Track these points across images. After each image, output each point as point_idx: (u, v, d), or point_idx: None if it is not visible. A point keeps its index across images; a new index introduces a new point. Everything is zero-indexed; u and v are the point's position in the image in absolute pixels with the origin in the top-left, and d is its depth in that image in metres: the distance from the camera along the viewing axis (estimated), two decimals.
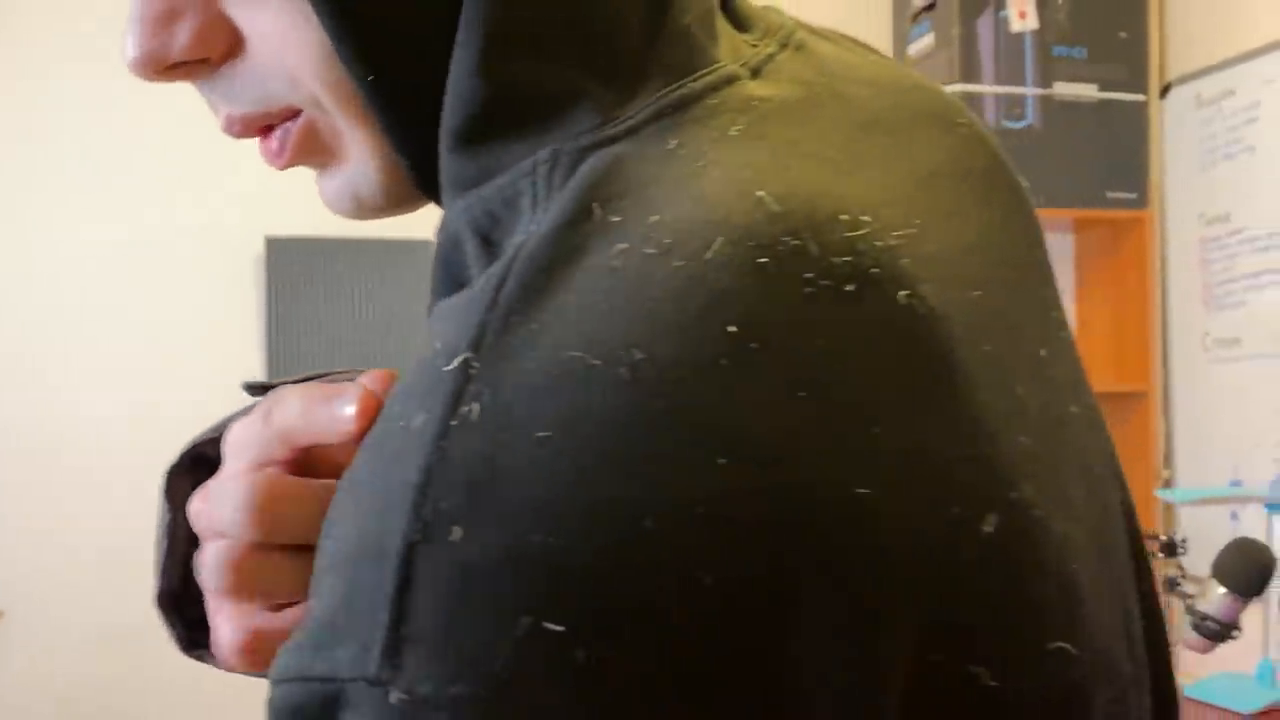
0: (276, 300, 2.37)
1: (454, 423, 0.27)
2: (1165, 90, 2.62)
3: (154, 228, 2.35)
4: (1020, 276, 0.39)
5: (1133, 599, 0.38)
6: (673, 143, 0.33)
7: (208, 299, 2.37)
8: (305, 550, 0.34)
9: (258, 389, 0.44)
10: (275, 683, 0.29)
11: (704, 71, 0.36)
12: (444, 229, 0.36)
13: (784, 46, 0.40)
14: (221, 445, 0.39)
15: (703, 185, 0.31)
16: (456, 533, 0.26)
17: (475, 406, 0.27)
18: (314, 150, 0.41)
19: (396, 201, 0.41)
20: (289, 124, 0.40)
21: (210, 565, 0.36)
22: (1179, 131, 2.58)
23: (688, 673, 0.25)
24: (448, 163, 0.36)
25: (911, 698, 0.28)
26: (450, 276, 0.36)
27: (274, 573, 0.36)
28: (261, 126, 0.41)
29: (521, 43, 0.34)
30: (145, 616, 2.16)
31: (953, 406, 0.30)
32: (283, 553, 0.36)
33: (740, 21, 0.41)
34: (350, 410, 0.33)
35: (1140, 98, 2.57)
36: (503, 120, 0.34)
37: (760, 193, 0.30)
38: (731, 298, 0.28)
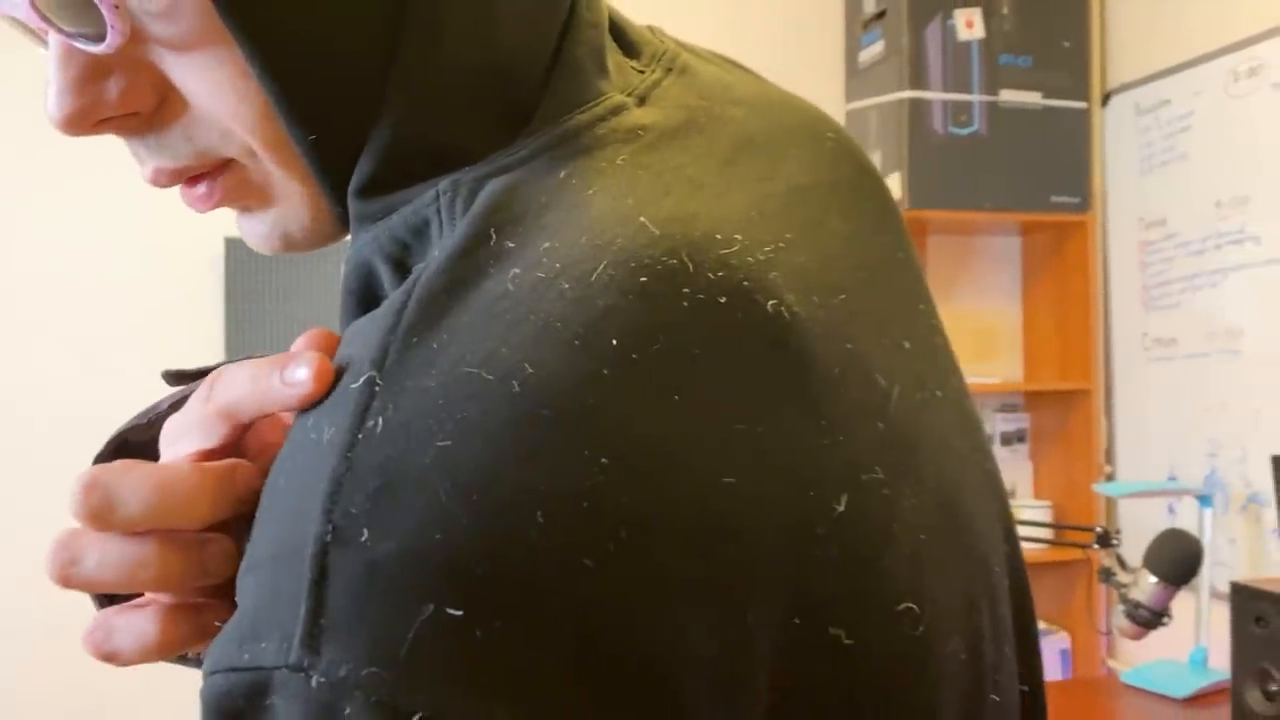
0: (235, 300, 2.39)
1: (360, 435, 0.30)
2: (1106, 99, 2.70)
3: (114, 228, 2.36)
4: (887, 276, 0.43)
5: (998, 558, 0.43)
6: (563, 173, 0.37)
7: (167, 299, 2.38)
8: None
9: (176, 377, 0.46)
10: (207, 675, 0.31)
11: (593, 103, 0.39)
12: (351, 259, 0.39)
13: (669, 71, 0.44)
14: (160, 435, 0.40)
15: (591, 213, 0.35)
16: (365, 534, 0.29)
17: (379, 420, 0.30)
18: (243, 196, 0.42)
19: (322, 240, 0.44)
20: (216, 172, 0.41)
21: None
22: (1119, 138, 2.66)
23: (575, 647, 0.29)
24: (356, 202, 0.39)
25: (780, 659, 0.32)
26: (360, 301, 0.39)
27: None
28: (189, 176, 0.42)
29: (432, 103, 0.38)
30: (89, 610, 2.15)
31: (810, 402, 0.34)
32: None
33: (629, 47, 0.45)
34: (304, 373, 0.34)
35: (1082, 105, 2.65)
36: (408, 166, 0.38)
37: (642, 218, 0.34)
38: (615, 314, 0.31)
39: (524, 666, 0.28)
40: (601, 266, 0.33)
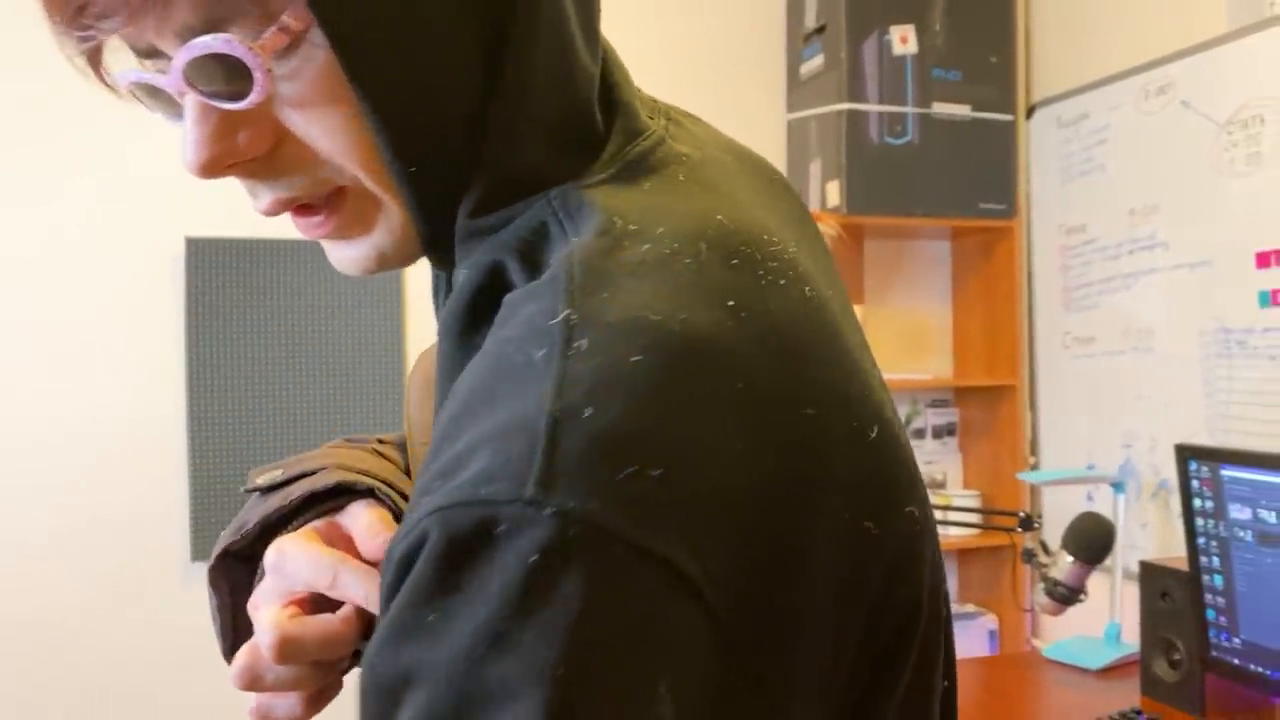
0: (197, 299, 2.44)
1: (570, 352, 0.41)
2: (1031, 111, 2.85)
3: (76, 227, 2.38)
4: (838, 286, 0.57)
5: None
6: (645, 184, 0.50)
7: (129, 298, 2.42)
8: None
9: (255, 490, 0.63)
10: (431, 512, 0.39)
11: (645, 135, 0.53)
12: (476, 263, 0.49)
13: (668, 120, 0.56)
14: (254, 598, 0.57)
15: (682, 210, 0.48)
16: (587, 412, 0.39)
17: (584, 342, 0.41)
18: (350, 224, 0.52)
19: (408, 259, 0.53)
20: (329, 201, 0.51)
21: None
22: (1042, 149, 2.82)
23: (752, 514, 0.41)
24: (468, 222, 0.50)
25: (838, 542, 0.44)
26: (489, 290, 0.49)
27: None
28: (300, 205, 0.51)
29: (527, 140, 0.50)
30: (59, 610, 2.24)
31: (847, 359, 0.47)
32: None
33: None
34: (348, 612, 0.54)
35: (1009, 118, 2.80)
36: (514, 188, 0.50)
37: (719, 217, 0.48)
38: (724, 284, 0.44)
39: (704, 522, 0.39)
40: (704, 248, 0.46)
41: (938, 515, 2.19)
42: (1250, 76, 2.17)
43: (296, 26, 0.46)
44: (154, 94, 0.50)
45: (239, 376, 2.47)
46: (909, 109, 2.69)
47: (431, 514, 0.39)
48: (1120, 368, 2.55)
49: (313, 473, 0.62)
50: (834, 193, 2.67)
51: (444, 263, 0.54)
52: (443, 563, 0.38)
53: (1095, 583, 2.03)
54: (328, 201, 0.51)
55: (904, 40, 2.68)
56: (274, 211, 0.51)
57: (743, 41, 2.86)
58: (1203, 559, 1.66)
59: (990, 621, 2.89)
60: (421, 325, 2.60)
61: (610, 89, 0.54)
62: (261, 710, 0.56)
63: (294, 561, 0.55)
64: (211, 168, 0.48)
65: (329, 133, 0.48)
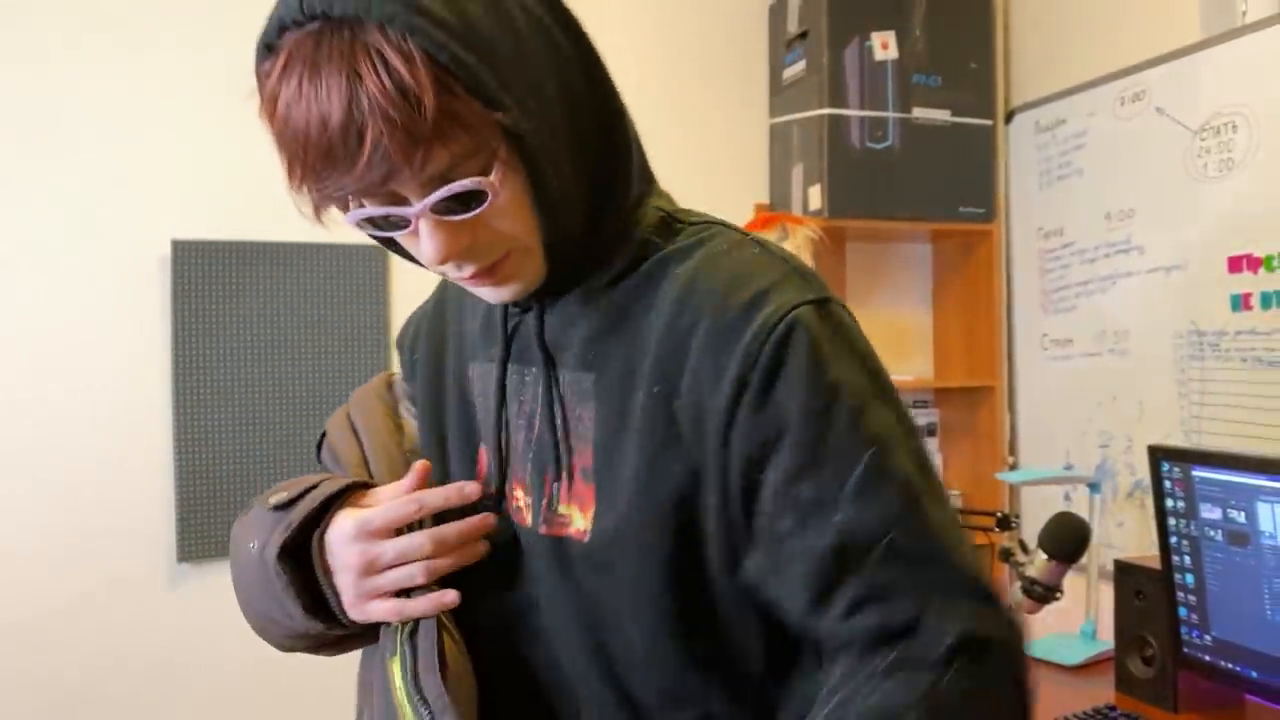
0: (182, 301, 2.44)
1: (818, 308, 0.73)
2: (1009, 116, 2.89)
3: (61, 229, 2.39)
4: None
5: None
6: (708, 234, 0.80)
7: (115, 299, 2.42)
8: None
9: (283, 504, 0.86)
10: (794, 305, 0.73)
11: (686, 210, 0.83)
12: (624, 285, 0.79)
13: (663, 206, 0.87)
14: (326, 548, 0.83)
15: (759, 254, 0.76)
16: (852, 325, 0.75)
17: (826, 308, 0.74)
18: (513, 273, 0.76)
19: (532, 290, 0.78)
20: (501, 262, 0.75)
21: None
22: (1020, 154, 2.86)
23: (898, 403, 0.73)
24: (590, 263, 0.79)
25: None
26: (649, 273, 0.78)
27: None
28: (490, 271, 0.75)
29: (624, 213, 0.79)
30: (45, 613, 2.24)
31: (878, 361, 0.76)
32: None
33: None
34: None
35: (987, 122, 2.84)
36: (622, 244, 0.80)
37: (785, 259, 0.76)
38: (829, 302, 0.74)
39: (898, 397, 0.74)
40: (781, 263, 0.76)
41: None
42: (1223, 84, 2.21)
43: (506, 158, 0.68)
44: (378, 223, 0.72)
45: (224, 378, 2.48)
46: (890, 114, 2.72)
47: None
48: (1097, 369, 2.59)
49: (315, 486, 0.85)
50: (815, 196, 2.70)
51: (540, 295, 0.79)
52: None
53: (1071, 581, 2.06)
54: (498, 261, 0.75)
55: (885, 46, 2.72)
56: (477, 278, 0.75)
57: (725, 46, 2.89)
58: (1175, 558, 1.69)
59: None
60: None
61: (654, 182, 0.84)
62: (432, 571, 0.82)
63: (380, 516, 0.81)
64: (447, 261, 0.72)
65: (518, 222, 0.72)
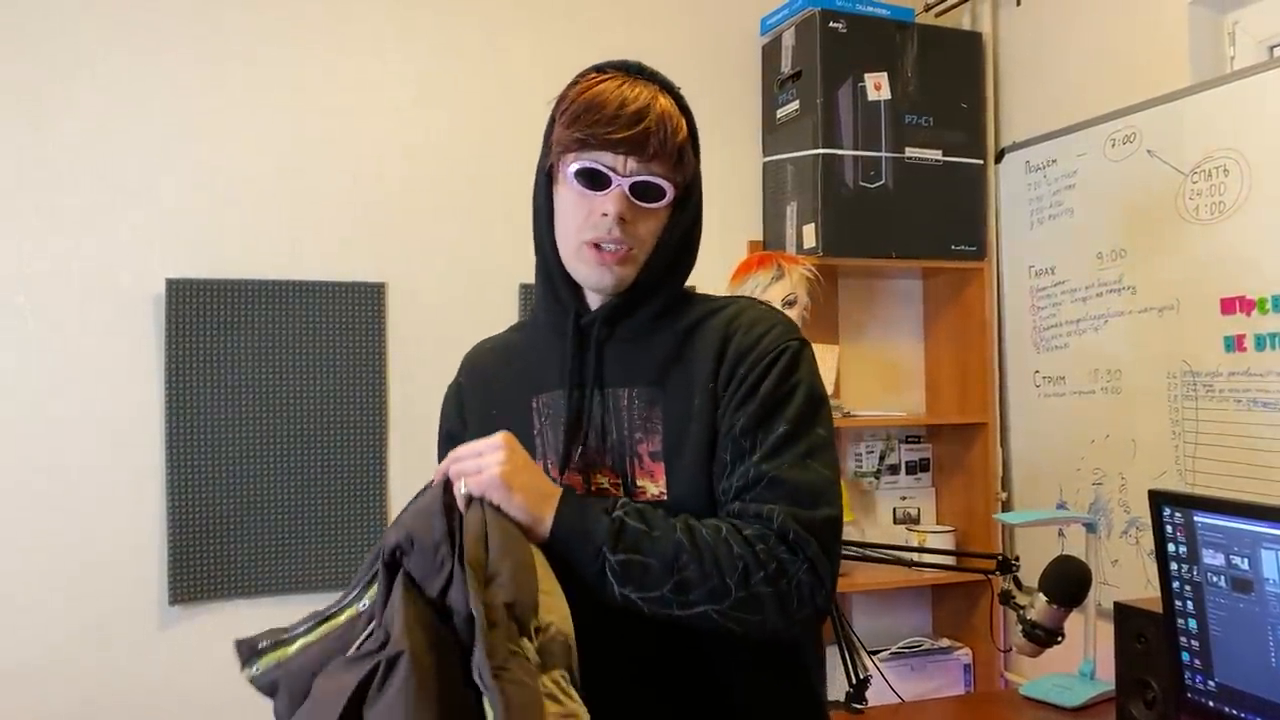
0: (175, 340, 2.43)
1: (803, 347, 1.13)
2: (1000, 155, 2.92)
3: (56, 267, 2.37)
4: None
5: None
6: (723, 301, 1.20)
7: (109, 338, 2.41)
8: None
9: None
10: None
11: (705, 293, 1.23)
12: (679, 324, 1.16)
13: None
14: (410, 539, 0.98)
15: (765, 311, 1.17)
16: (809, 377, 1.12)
17: (807, 349, 1.13)
18: (623, 263, 1.12)
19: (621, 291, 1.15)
20: (624, 252, 1.11)
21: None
22: (1011, 193, 2.89)
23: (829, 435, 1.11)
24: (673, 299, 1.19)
25: None
26: (680, 327, 1.16)
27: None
28: (619, 247, 1.11)
29: (682, 273, 1.20)
30: (34, 655, 2.22)
31: None
32: None
33: None
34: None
35: (978, 162, 2.87)
36: (678, 291, 1.20)
37: (778, 314, 1.17)
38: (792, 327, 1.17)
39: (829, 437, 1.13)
40: (778, 315, 1.18)
41: (915, 555, 2.22)
42: (1213, 129, 2.24)
43: (676, 190, 1.12)
44: (591, 175, 1.09)
45: (218, 418, 2.46)
46: (883, 153, 2.75)
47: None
48: (1090, 407, 2.61)
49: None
50: (810, 235, 2.71)
51: (603, 330, 1.15)
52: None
53: (1069, 620, 2.06)
54: (627, 250, 1.11)
55: (877, 87, 2.74)
56: (611, 248, 1.10)
57: (720, 86, 2.91)
58: (1177, 603, 1.70)
59: (965, 655, 2.93)
60: (401, 366, 2.61)
61: None
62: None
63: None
64: (617, 217, 1.08)
65: (649, 239, 1.12)
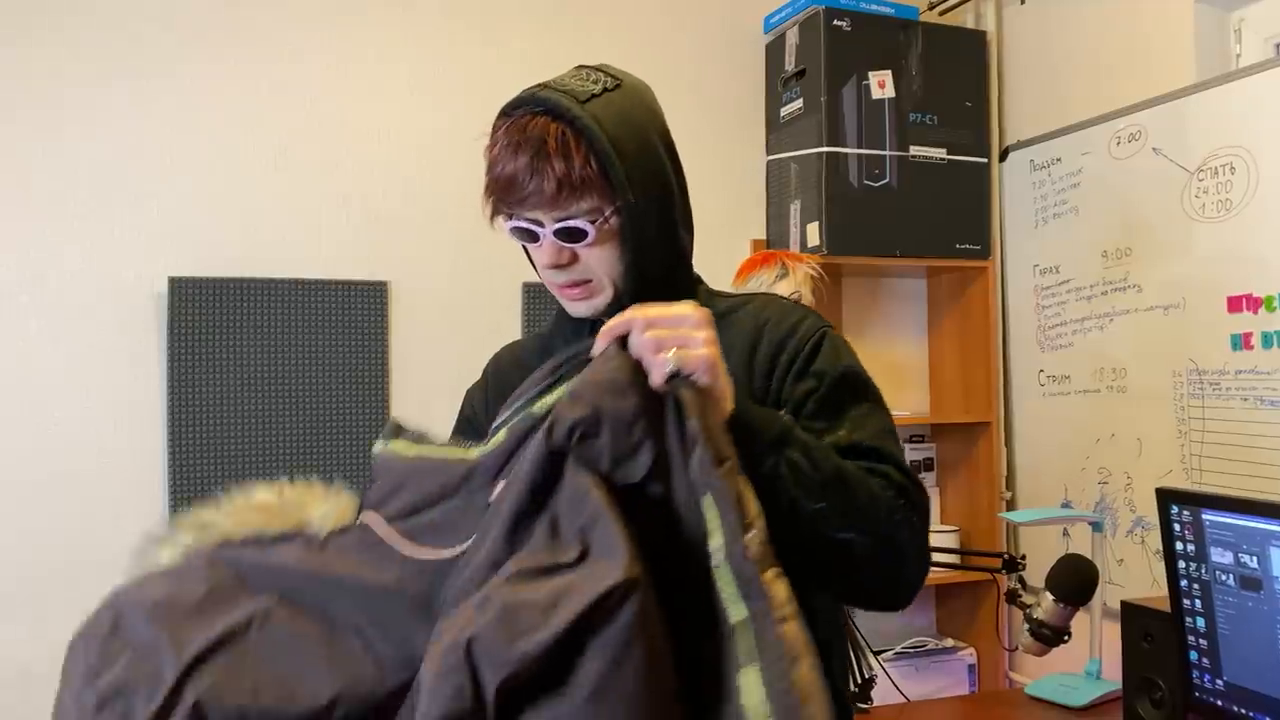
0: (178, 338, 2.42)
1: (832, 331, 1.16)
2: (1004, 154, 2.91)
3: (59, 265, 2.37)
4: None
5: None
6: (736, 296, 1.24)
7: (110, 337, 2.40)
8: None
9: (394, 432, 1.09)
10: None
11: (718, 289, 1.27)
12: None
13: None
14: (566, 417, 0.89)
15: (789, 303, 1.20)
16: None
17: (837, 335, 1.15)
18: (592, 295, 1.12)
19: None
20: (588, 287, 1.12)
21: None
22: (1015, 191, 2.88)
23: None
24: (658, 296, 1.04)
25: None
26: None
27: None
28: (576, 286, 1.11)
29: (685, 263, 1.19)
30: (35, 657, 2.21)
31: None
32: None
33: None
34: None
35: (983, 160, 2.86)
36: (682, 284, 1.18)
37: (804, 306, 1.20)
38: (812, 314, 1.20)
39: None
40: (803, 307, 1.20)
41: None
42: (1219, 126, 2.23)
43: (610, 213, 1.07)
44: (523, 231, 1.10)
45: (221, 416, 2.46)
46: (887, 152, 2.74)
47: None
48: (1096, 406, 2.60)
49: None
50: (814, 234, 2.71)
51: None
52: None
53: (1075, 619, 2.06)
54: (582, 283, 1.11)
55: (882, 85, 2.74)
56: (569, 289, 1.12)
57: (724, 84, 2.90)
58: (1185, 601, 1.69)
59: (969, 655, 2.92)
60: (403, 364, 2.60)
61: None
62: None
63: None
64: (555, 267, 1.10)
65: (602, 265, 1.10)
